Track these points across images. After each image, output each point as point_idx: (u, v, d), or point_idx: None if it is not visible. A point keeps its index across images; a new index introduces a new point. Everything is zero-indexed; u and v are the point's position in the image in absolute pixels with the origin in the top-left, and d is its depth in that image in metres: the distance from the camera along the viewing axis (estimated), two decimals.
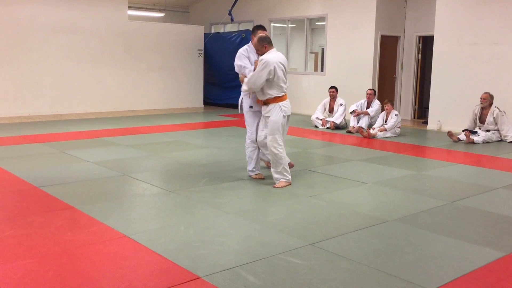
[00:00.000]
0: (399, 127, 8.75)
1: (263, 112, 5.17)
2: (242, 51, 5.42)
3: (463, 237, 3.64)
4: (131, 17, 12.75)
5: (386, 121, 8.73)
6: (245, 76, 5.20)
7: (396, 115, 8.64)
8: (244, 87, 5.22)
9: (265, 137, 5.14)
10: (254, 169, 5.38)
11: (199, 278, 2.86)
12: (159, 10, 14.45)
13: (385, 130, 8.54)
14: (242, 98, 5.50)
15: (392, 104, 8.81)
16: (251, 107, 5.39)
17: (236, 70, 5.42)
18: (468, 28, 9.18)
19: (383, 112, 8.89)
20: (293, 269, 3.00)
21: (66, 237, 3.49)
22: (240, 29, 13.73)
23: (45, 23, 10.90)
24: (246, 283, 2.80)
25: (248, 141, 5.41)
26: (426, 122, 10.19)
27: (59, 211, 4.10)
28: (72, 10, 11.24)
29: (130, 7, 12.68)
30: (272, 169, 5.08)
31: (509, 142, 8.13)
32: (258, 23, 13.08)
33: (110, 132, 8.56)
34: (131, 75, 12.32)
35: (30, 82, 10.83)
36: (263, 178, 5.31)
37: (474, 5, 9.09)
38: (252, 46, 5.39)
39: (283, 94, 5.03)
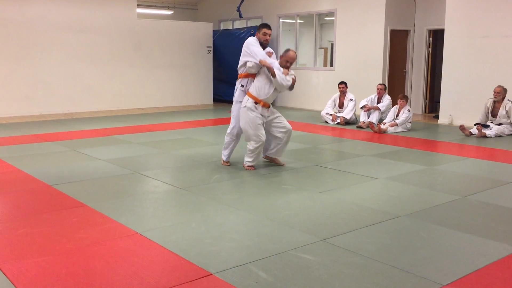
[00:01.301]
0: (410, 122, 8.69)
1: (267, 114, 5.44)
2: (253, 40, 5.50)
3: (476, 232, 3.61)
4: (140, 15, 12.79)
5: (397, 116, 8.68)
6: (266, 64, 5.29)
7: (409, 110, 8.58)
8: (283, 77, 5.33)
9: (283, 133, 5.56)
10: (227, 158, 5.83)
11: (211, 274, 2.87)
12: (168, 8, 14.48)
13: (396, 125, 8.48)
14: (238, 89, 5.62)
15: (407, 100, 8.74)
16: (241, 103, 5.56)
17: (254, 55, 5.36)
18: (479, 21, 9.07)
19: (395, 106, 8.83)
20: (304, 265, 3.00)
21: (79, 235, 3.52)
22: (249, 25, 13.71)
23: (55, 23, 10.98)
24: (258, 279, 2.81)
25: (229, 131, 5.72)
26: (437, 116, 10.11)
27: (72, 209, 4.14)
28: (81, 9, 11.31)
29: (139, 5, 12.72)
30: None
31: None
32: (267, 19, 13.13)
33: (121, 130, 8.60)
34: (140, 73, 12.37)
35: (41, 81, 10.92)
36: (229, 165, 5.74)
37: None
38: (256, 39, 5.52)
39: None
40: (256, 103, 5.35)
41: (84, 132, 8.44)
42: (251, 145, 5.44)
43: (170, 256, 3.14)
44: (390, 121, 8.64)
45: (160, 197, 4.58)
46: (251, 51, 5.37)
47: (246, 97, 5.42)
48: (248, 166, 5.55)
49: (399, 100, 8.72)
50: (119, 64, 12.00)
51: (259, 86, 5.36)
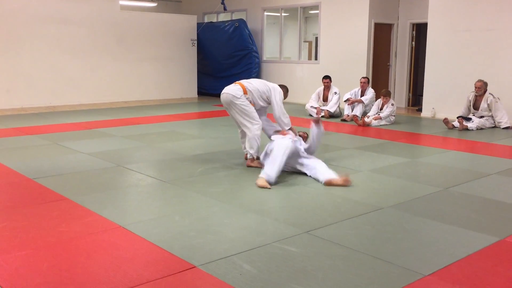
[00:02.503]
0: (393, 115, 8.76)
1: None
2: (280, 94, 5.50)
3: (457, 223, 3.66)
4: (123, 7, 12.63)
5: (381, 110, 8.73)
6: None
7: (392, 104, 8.65)
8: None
9: None
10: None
11: (194, 267, 2.86)
12: (152, 0, 14.33)
13: (380, 118, 8.54)
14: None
15: (390, 96, 8.78)
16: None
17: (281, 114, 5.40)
18: (462, 15, 9.16)
19: (378, 100, 8.89)
20: (288, 257, 3.01)
21: (61, 228, 3.47)
22: (234, 18, 13.65)
23: (36, 14, 10.79)
24: (242, 271, 2.81)
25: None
26: (420, 110, 10.21)
27: (54, 202, 4.08)
28: (63, 1, 11.12)
29: None
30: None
31: (503, 128, 8.16)
32: (252, 12, 13.09)
33: (104, 123, 8.51)
34: (124, 66, 12.24)
35: (22, 74, 10.74)
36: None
37: None
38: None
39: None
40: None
41: (66, 125, 8.34)
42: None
43: (153, 249, 3.12)
44: (374, 115, 8.69)
45: (144, 190, 4.55)
46: (279, 105, 5.36)
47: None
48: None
49: (382, 96, 8.77)
50: (101, 57, 11.85)
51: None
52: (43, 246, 3.16)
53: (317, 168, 4.87)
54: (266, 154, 5.10)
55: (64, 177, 4.92)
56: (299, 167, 5.04)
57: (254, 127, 5.33)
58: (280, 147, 4.81)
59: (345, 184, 4.61)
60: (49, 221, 3.63)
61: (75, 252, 3.08)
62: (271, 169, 4.65)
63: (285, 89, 5.66)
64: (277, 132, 5.46)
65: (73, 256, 3.02)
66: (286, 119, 5.40)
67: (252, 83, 5.45)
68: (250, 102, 5.35)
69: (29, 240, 3.26)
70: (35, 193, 4.37)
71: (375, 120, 8.52)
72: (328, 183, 4.63)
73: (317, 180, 4.78)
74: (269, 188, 4.50)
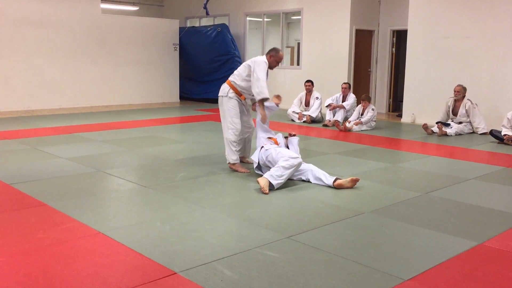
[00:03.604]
0: (374, 121, 8.84)
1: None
2: (264, 62, 5.31)
3: (437, 227, 3.70)
4: (104, 11, 12.53)
5: (362, 115, 8.81)
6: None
7: (373, 109, 8.73)
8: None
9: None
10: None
11: (175, 273, 2.83)
12: (133, 4, 14.25)
13: (361, 123, 8.61)
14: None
15: (369, 101, 8.88)
16: None
17: (259, 84, 5.17)
18: (441, 22, 9.32)
19: (359, 106, 8.97)
20: (270, 262, 3.00)
21: (39, 235, 3.41)
22: (216, 23, 13.64)
23: (15, 17, 10.62)
24: (223, 277, 2.79)
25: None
26: (400, 115, 10.33)
27: (31, 208, 4.01)
28: (42, 3, 10.98)
29: (103, 1, 12.46)
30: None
31: (480, 134, 8.30)
32: (234, 17, 13.10)
33: (84, 128, 8.41)
34: (105, 70, 12.12)
35: (0, 77, 10.55)
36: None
37: (446, 0, 9.22)
38: (266, 62, 5.34)
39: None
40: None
41: (45, 129, 8.21)
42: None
43: (133, 256, 3.08)
44: (355, 120, 8.76)
45: (124, 195, 4.49)
46: (258, 76, 5.14)
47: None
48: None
49: (362, 101, 8.86)
50: (82, 60, 11.71)
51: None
52: (20, 253, 3.10)
53: (314, 169, 4.90)
54: (270, 163, 4.93)
55: (42, 183, 4.83)
56: (297, 176, 4.96)
57: (228, 131, 5.35)
58: (291, 162, 4.71)
59: (354, 184, 4.72)
60: (26, 227, 3.56)
61: (53, 259, 3.02)
62: (277, 180, 4.61)
63: (272, 52, 5.32)
64: (269, 138, 5.27)
65: (50, 264, 2.96)
66: (258, 89, 5.10)
67: (235, 72, 5.48)
68: (240, 94, 5.36)
69: (5, 247, 3.19)
70: (13, 199, 4.28)
71: (356, 125, 8.59)
72: (339, 186, 4.69)
73: (319, 181, 4.80)
74: (267, 193, 4.49)
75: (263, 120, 5.22)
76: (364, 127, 8.66)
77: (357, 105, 9.27)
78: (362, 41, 11.24)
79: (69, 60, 11.50)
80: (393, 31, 11.28)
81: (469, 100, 8.42)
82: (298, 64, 12.57)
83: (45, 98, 11.20)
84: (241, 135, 5.47)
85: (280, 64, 5.48)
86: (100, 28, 11.92)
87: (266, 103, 5.24)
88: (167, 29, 13.18)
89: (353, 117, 8.93)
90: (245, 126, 5.54)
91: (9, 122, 9.02)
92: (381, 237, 3.49)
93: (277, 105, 5.40)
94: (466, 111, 8.38)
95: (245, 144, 5.70)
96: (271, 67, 5.36)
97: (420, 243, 3.38)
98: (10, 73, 10.67)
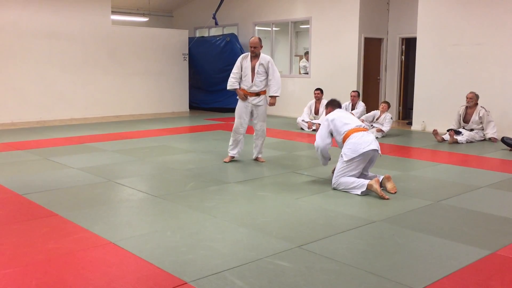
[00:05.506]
0: None
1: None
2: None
3: (449, 236, 3.66)
4: (115, 22, 12.66)
5: (377, 120, 8.87)
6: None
7: (391, 118, 8.79)
8: None
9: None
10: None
11: (186, 283, 2.83)
12: (143, 15, 14.39)
13: (382, 131, 8.64)
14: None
15: (389, 106, 8.94)
16: None
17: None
18: (450, 29, 9.29)
19: (375, 111, 8.99)
20: (280, 272, 2.99)
21: (50, 245, 3.43)
22: (225, 32, 13.72)
23: (28, 29, 10.78)
24: (234, 287, 2.78)
25: None
26: (410, 123, 10.28)
27: (43, 218, 4.04)
28: (54, 15, 11.13)
29: (113, 12, 12.59)
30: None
31: (488, 139, 8.28)
32: (243, 27, 13.16)
33: (95, 138, 8.47)
34: (115, 80, 12.23)
35: (13, 88, 10.69)
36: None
37: (455, 7, 9.20)
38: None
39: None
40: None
41: (57, 140, 8.28)
42: None
43: (144, 265, 3.09)
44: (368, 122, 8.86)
45: (135, 205, 4.51)
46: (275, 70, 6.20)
47: None
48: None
49: (381, 104, 8.94)
50: (93, 71, 11.84)
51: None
52: (32, 263, 3.12)
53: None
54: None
55: (54, 193, 4.87)
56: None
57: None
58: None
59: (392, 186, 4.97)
60: (38, 237, 3.59)
61: (65, 269, 3.04)
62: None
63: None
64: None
65: (62, 274, 2.97)
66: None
67: None
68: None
69: (17, 258, 3.21)
70: (25, 209, 4.32)
71: (377, 132, 8.59)
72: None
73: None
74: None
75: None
76: (379, 135, 8.62)
77: (366, 113, 9.26)
78: (371, 49, 11.24)
79: (80, 71, 11.62)
80: (402, 39, 11.26)
81: (483, 107, 8.36)
82: (307, 73, 12.56)
83: (57, 109, 11.32)
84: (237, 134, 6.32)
85: (255, 50, 6.07)
86: (111, 39, 12.05)
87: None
88: (176, 39, 13.28)
89: (365, 118, 8.99)
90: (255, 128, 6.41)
91: (21, 132, 9.12)
92: (393, 246, 3.46)
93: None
94: (480, 117, 8.33)
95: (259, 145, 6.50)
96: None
97: (433, 252, 3.35)
98: (23, 85, 10.81)
